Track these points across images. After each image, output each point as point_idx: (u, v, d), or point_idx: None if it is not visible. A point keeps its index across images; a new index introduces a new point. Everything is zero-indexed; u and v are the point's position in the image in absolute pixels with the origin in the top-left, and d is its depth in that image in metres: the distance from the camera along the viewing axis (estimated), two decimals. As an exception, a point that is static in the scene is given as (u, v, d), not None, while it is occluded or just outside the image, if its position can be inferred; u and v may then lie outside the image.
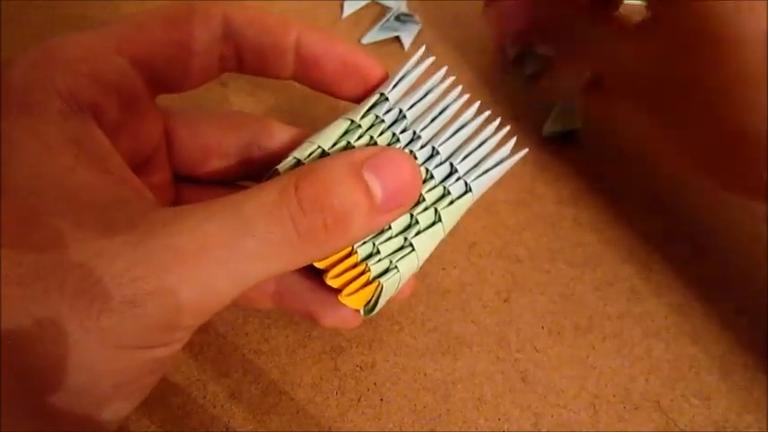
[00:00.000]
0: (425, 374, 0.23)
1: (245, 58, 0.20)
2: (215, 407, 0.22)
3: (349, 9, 0.35)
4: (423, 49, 0.20)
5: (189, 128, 0.21)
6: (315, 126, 0.19)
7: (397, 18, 0.34)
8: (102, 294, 0.13)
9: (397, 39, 0.34)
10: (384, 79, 0.20)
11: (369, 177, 0.16)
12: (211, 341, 0.23)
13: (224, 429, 0.21)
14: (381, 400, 0.22)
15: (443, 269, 0.26)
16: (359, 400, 0.22)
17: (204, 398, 0.22)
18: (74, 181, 0.15)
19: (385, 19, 0.34)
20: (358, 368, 0.23)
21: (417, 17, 0.34)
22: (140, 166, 0.19)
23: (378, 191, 0.16)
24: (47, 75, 0.16)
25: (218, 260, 0.14)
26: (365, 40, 0.33)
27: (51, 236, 0.14)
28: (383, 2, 0.35)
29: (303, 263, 0.17)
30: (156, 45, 0.18)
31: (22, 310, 0.13)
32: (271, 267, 0.16)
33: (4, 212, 0.14)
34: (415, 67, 0.20)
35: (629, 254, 0.27)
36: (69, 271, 0.13)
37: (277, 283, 0.20)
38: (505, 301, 0.25)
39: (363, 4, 0.35)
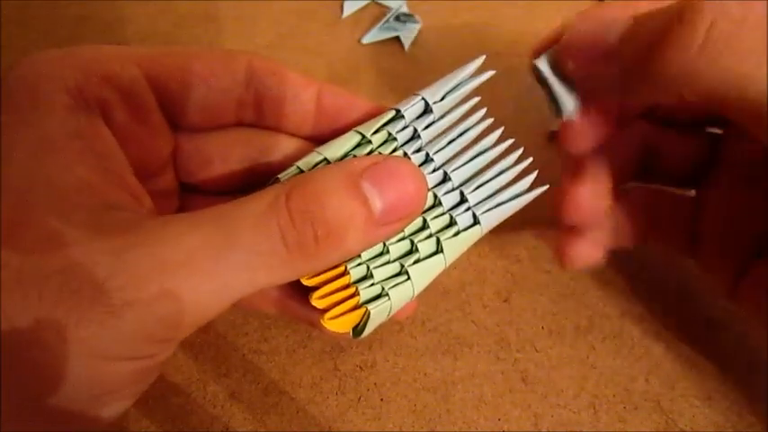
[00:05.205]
0: (425, 374, 0.23)
1: (264, 108, 0.19)
2: (215, 407, 0.22)
3: (349, 9, 0.35)
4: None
5: (192, 142, 0.20)
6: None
7: (397, 18, 0.34)
8: (81, 303, 0.13)
9: (397, 39, 0.34)
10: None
11: (367, 188, 0.15)
12: (211, 341, 0.23)
13: (224, 429, 0.21)
14: (381, 400, 0.22)
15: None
16: (359, 400, 0.22)
17: (204, 398, 0.22)
18: (69, 180, 0.15)
19: (385, 19, 0.34)
20: (358, 368, 0.23)
21: (417, 17, 0.34)
22: (146, 176, 0.19)
23: (377, 202, 0.16)
24: (57, 71, 0.16)
25: (201, 271, 0.14)
26: (365, 40, 0.33)
27: (36, 239, 0.14)
28: (383, 2, 0.35)
29: (293, 277, 0.16)
30: (174, 68, 0.18)
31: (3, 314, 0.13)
32: (257, 281, 0.15)
33: None
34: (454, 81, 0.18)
35: (629, 253, 0.27)
36: (49, 278, 0.13)
37: (280, 290, 0.20)
38: (505, 301, 0.25)
39: (363, 4, 0.35)
